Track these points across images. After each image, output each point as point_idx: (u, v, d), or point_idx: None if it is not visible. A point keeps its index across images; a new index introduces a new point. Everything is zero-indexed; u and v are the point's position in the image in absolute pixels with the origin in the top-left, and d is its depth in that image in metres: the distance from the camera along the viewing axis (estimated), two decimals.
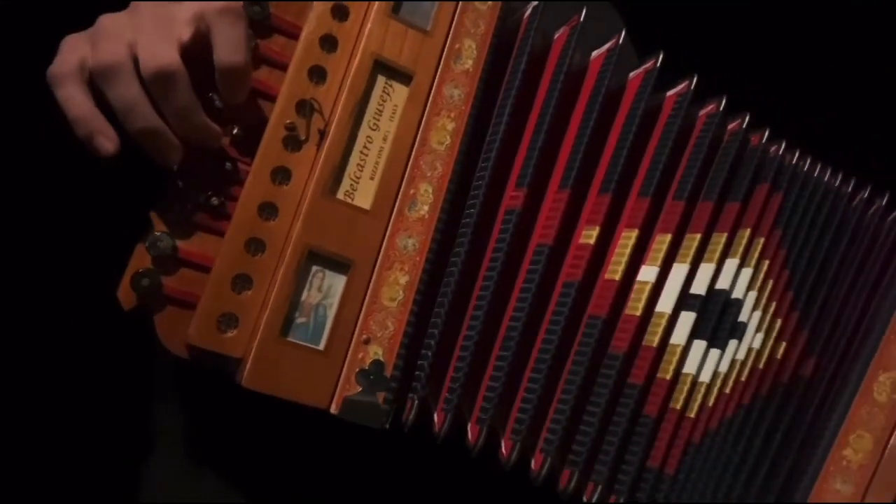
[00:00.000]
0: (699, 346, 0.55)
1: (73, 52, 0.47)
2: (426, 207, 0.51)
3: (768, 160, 0.58)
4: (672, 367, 0.54)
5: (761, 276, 0.57)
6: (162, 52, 0.46)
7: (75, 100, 0.47)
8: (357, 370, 0.48)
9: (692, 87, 0.57)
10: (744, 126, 0.58)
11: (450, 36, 0.53)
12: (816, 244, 0.58)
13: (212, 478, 0.60)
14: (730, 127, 0.59)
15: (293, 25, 0.54)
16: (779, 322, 0.57)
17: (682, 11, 0.69)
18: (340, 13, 0.52)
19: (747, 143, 0.58)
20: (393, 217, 0.50)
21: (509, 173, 0.54)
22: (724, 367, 0.56)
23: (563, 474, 0.52)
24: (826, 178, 0.59)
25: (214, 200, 0.51)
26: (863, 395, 0.58)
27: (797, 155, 0.59)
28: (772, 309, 0.57)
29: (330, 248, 0.48)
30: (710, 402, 0.55)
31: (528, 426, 0.51)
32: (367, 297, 0.49)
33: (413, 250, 0.50)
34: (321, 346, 0.48)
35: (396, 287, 0.50)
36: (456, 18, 0.53)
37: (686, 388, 0.54)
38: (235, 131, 0.50)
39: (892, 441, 0.57)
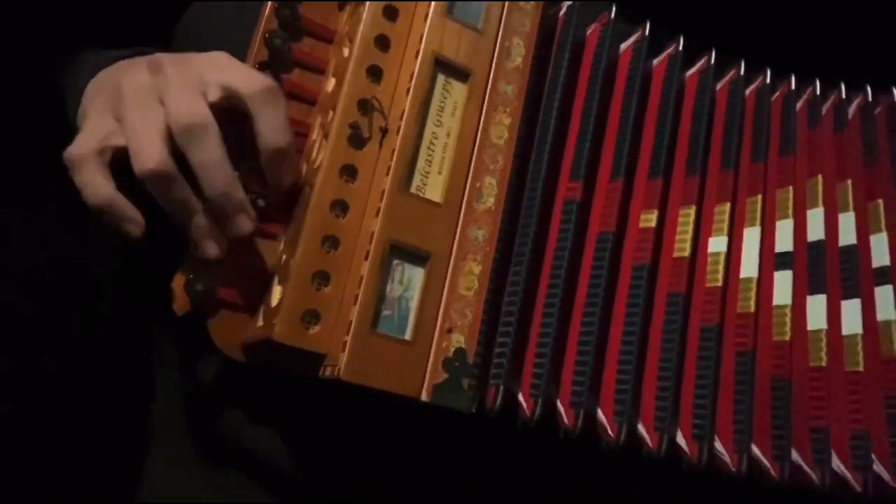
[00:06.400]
0: (817, 301, 0.56)
1: (94, 131, 0.47)
2: (492, 199, 0.53)
3: (806, 105, 0.62)
4: (788, 328, 0.55)
5: (881, 217, 0.58)
6: (194, 106, 0.46)
7: (95, 185, 0.46)
8: (442, 358, 0.49)
9: (712, 61, 0.61)
10: (767, 82, 0.62)
11: (500, 34, 0.55)
12: None
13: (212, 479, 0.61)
14: (749, 90, 0.62)
15: (322, 27, 0.55)
16: None
17: None
18: (390, 14, 0.53)
19: (768, 98, 0.62)
20: (463, 210, 0.52)
21: (560, 165, 0.56)
22: (889, 315, 0.56)
23: (692, 449, 0.53)
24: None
25: (261, 202, 0.51)
26: None
27: (843, 89, 0.62)
28: None
29: (410, 242, 0.50)
30: (895, 351, 0.55)
31: (631, 405, 0.52)
32: (446, 288, 0.50)
33: (483, 241, 0.52)
34: (408, 337, 0.49)
35: (471, 276, 0.51)
36: (504, 18, 0.55)
37: (824, 344, 0.54)
38: None
39: None
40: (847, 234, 0.58)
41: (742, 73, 0.61)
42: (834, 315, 0.56)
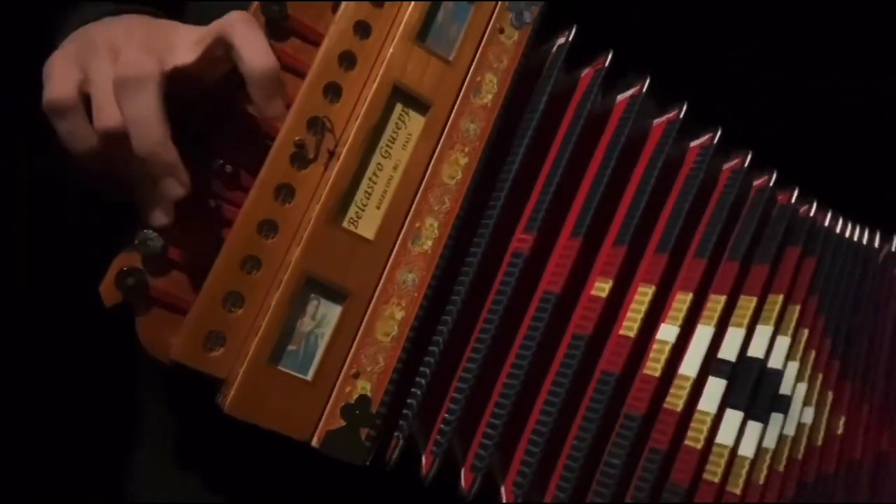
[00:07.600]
0: (734, 416, 0.54)
1: (67, 76, 0.45)
2: (430, 243, 0.50)
3: (798, 221, 0.58)
4: (703, 437, 0.52)
5: (801, 346, 0.56)
6: (141, 62, 0.44)
7: (80, 133, 0.45)
8: (342, 404, 0.47)
9: (716, 139, 0.56)
10: (771, 183, 0.57)
11: (472, 68, 0.51)
12: (857, 308, 0.57)
13: (198, 477, 0.59)
14: (756, 183, 0.58)
15: (310, 29, 0.52)
16: (830, 395, 0.56)
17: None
18: (363, 30, 0.50)
19: (774, 202, 0.58)
20: (395, 250, 0.49)
21: (519, 216, 0.53)
22: (770, 443, 0.54)
23: None
24: (857, 238, 0.59)
25: (211, 202, 0.49)
26: None
27: (829, 216, 0.59)
28: (818, 381, 0.56)
29: (328, 277, 0.47)
30: (760, 480, 0.54)
31: (533, 480, 0.50)
32: (361, 330, 0.48)
33: (412, 286, 0.49)
34: (309, 377, 0.46)
35: (392, 322, 0.48)
36: (480, 51, 0.51)
37: (724, 461, 0.52)
38: None
39: None
40: (777, 357, 0.55)
41: (747, 164, 0.57)
42: (740, 433, 0.54)
